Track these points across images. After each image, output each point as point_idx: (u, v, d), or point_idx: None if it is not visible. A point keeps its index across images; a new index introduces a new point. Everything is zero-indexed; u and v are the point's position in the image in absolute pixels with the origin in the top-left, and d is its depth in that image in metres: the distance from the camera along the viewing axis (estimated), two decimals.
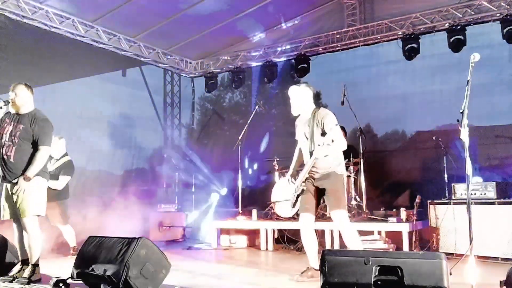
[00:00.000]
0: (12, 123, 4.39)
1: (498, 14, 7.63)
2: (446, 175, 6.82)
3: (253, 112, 8.01)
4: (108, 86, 9.49)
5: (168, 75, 11.49)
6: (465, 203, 5.65)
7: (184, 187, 10.12)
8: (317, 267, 4.23)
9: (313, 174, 4.26)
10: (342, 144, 4.09)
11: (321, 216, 6.96)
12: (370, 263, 3.13)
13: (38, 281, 4.24)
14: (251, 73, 10.33)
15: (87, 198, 7.68)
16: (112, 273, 3.51)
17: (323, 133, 4.11)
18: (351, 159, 7.40)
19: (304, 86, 4.39)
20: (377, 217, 6.64)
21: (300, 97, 4.37)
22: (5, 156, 4.31)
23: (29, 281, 4.17)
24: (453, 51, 7.88)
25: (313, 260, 4.36)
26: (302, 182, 4.27)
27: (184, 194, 9.81)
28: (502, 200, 5.51)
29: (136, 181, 7.51)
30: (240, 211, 7.82)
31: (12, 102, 4.37)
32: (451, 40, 7.89)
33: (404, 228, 6.04)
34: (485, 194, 5.68)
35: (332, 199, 4.20)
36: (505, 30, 7.45)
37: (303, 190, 4.27)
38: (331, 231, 6.52)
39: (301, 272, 4.37)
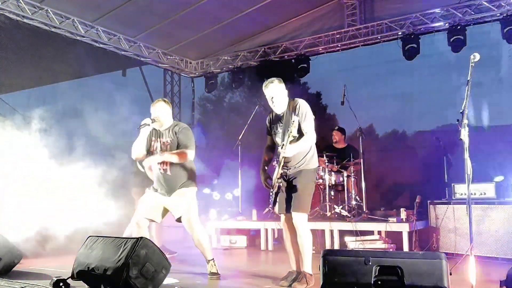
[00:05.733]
0: (158, 139, 4.55)
1: (498, 14, 7.63)
2: (446, 175, 6.82)
3: (253, 112, 8.01)
4: (108, 86, 9.48)
5: (168, 75, 11.49)
6: (465, 203, 5.67)
7: None
8: (300, 270, 4.16)
9: (286, 170, 4.15)
10: (312, 138, 4.03)
11: (321, 216, 6.97)
12: (370, 263, 3.13)
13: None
14: (251, 73, 10.31)
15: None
16: (112, 273, 3.51)
17: (298, 122, 4.01)
18: (351, 159, 7.41)
19: (278, 82, 4.17)
20: (377, 217, 6.65)
21: (282, 93, 4.19)
22: (162, 171, 4.49)
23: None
24: (453, 51, 7.89)
25: (295, 262, 4.25)
26: (278, 178, 4.14)
27: None
28: (502, 200, 5.51)
29: (136, 181, 7.46)
30: (240, 211, 7.83)
31: (156, 119, 4.51)
32: (451, 40, 7.90)
33: (404, 228, 6.04)
34: (485, 194, 5.69)
35: (296, 201, 4.07)
36: (505, 30, 7.46)
37: (279, 186, 4.15)
38: (331, 231, 6.52)
39: (282, 278, 4.21)
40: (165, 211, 4.63)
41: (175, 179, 4.51)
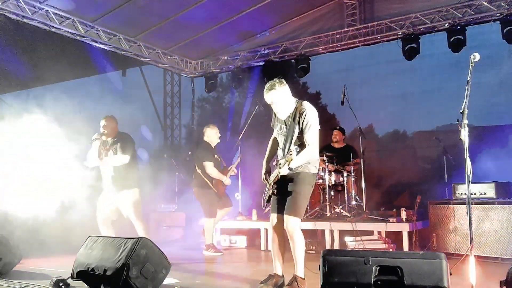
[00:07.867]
0: (106, 147, 5.67)
1: (498, 14, 7.62)
2: (446, 175, 6.82)
3: (253, 112, 8.01)
4: (108, 86, 9.49)
5: (168, 75, 11.49)
6: (465, 203, 5.67)
7: (184, 187, 10.09)
8: (281, 274, 4.09)
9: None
10: (313, 150, 3.90)
11: (321, 216, 6.97)
12: (370, 263, 3.13)
13: None
14: (251, 73, 10.31)
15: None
16: (112, 273, 3.52)
17: (301, 131, 3.91)
18: (351, 159, 7.41)
19: (279, 86, 3.94)
20: (377, 217, 6.65)
21: (282, 98, 3.97)
22: (113, 173, 5.60)
23: None
24: (453, 51, 7.88)
25: (278, 266, 4.12)
26: (274, 183, 4.03)
27: (184, 194, 9.79)
28: (502, 200, 5.51)
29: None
30: (240, 211, 7.82)
31: (104, 133, 5.63)
32: (451, 40, 7.89)
33: (404, 228, 6.04)
34: (485, 194, 5.69)
35: (291, 204, 3.92)
36: (505, 30, 7.46)
37: (273, 192, 4.05)
38: (331, 231, 6.52)
39: (262, 281, 4.07)
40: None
41: (119, 180, 5.55)
